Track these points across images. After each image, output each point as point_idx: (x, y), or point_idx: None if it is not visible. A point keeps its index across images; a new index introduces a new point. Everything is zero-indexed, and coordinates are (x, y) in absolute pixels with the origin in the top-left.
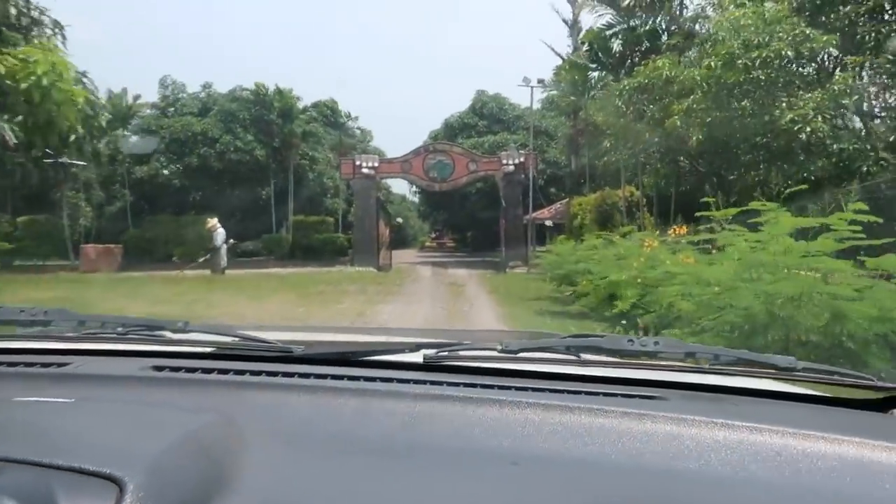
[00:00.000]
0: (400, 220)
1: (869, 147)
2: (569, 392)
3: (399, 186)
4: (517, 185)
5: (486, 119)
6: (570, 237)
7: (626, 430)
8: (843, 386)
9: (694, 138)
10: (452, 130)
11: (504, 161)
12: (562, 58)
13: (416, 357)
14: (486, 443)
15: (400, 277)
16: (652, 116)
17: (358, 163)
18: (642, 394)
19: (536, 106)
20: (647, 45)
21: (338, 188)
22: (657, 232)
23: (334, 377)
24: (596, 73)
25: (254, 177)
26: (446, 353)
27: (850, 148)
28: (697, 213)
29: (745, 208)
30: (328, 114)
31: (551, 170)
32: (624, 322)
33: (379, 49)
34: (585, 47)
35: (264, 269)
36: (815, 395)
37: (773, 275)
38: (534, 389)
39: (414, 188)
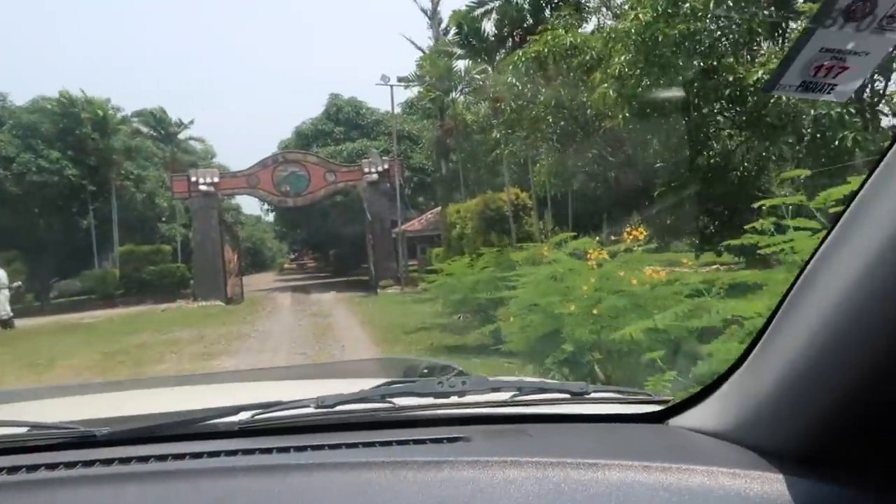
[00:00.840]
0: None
1: (854, 111)
2: (381, 444)
3: (251, 205)
4: (383, 196)
5: (342, 125)
6: (449, 250)
7: (428, 481)
8: (627, 403)
9: (620, 116)
10: (305, 139)
11: (366, 169)
12: (422, 50)
13: (233, 422)
14: None
15: (252, 311)
16: (556, 93)
17: (194, 179)
18: (449, 435)
19: (398, 109)
20: (531, 20)
21: (174, 211)
22: (569, 240)
23: (140, 459)
24: (466, 62)
25: (66, 202)
26: (261, 416)
27: (832, 114)
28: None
29: None
30: (154, 124)
31: (418, 177)
32: (567, 369)
33: (217, 53)
34: (453, 31)
35: (85, 311)
36: (606, 415)
37: None
38: (347, 445)
39: (265, 206)
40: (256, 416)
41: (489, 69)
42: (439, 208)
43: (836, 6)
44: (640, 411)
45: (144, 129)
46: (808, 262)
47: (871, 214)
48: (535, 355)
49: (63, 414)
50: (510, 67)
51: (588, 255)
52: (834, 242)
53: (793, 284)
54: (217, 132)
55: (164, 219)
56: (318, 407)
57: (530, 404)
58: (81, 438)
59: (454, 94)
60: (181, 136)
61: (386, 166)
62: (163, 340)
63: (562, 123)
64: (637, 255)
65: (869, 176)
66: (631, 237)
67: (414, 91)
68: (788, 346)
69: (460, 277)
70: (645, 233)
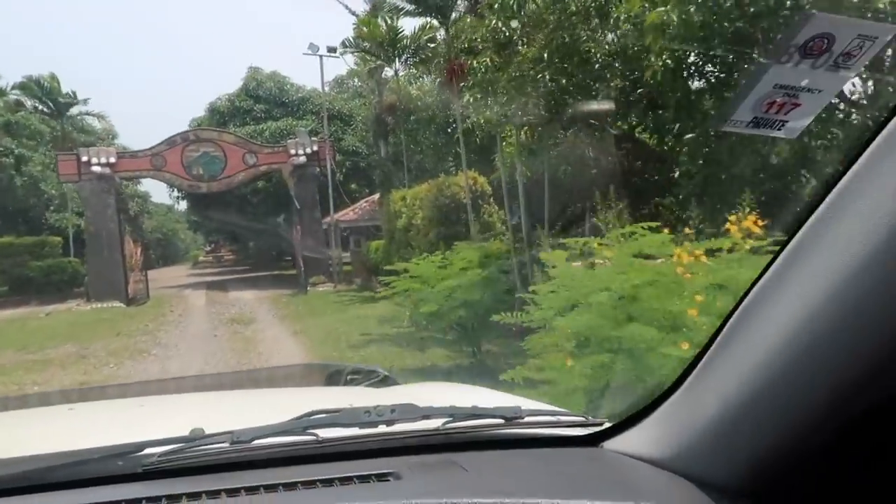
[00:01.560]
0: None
1: None
2: (303, 484)
3: (161, 193)
4: (311, 181)
5: (263, 102)
6: (391, 243)
7: None
8: (561, 427)
9: (658, 62)
10: (221, 117)
11: (292, 151)
12: (356, 15)
13: (136, 462)
14: None
15: (156, 316)
16: (556, 39)
17: (85, 159)
18: (378, 471)
19: (326, 88)
20: None
21: (66, 198)
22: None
23: None
24: (414, 26)
25: None
26: (169, 457)
27: None
28: None
29: None
30: (41, 95)
31: (351, 161)
32: None
33: (119, 17)
34: None
35: None
36: (539, 438)
37: None
38: (266, 488)
39: (174, 191)
40: (163, 456)
41: (441, 32)
42: (376, 196)
43: (793, 42)
44: (574, 434)
45: (29, 102)
46: (750, 288)
47: (825, 240)
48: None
49: None
50: (496, 5)
51: (676, 257)
52: (779, 271)
53: (735, 307)
54: (118, 111)
55: (52, 207)
56: (233, 443)
57: (463, 431)
58: None
59: (397, 63)
60: (76, 111)
61: (315, 148)
62: (28, 363)
63: (562, 81)
64: (747, 257)
65: (819, 202)
66: (741, 229)
67: (344, 67)
68: (729, 375)
69: (430, 281)
70: (761, 223)
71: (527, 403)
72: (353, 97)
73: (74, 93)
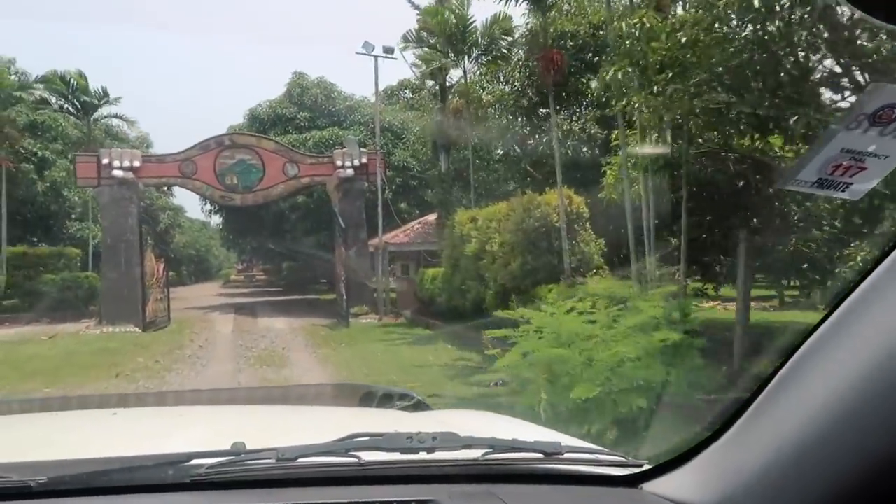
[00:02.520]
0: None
1: None
2: None
3: (195, 205)
4: (358, 197)
5: (308, 110)
6: (454, 272)
7: None
8: (601, 465)
9: None
10: (261, 125)
11: (339, 162)
12: (418, 8)
13: (185, 472)
14: None
15: (173, 348)
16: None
17: (106, 161)
18: (418, 497)
19: (373, 99)
20: None
21: (88, 205)
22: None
23: None
24: (487, 14)
25: None
26: (217, 469)
27: None
28: None
29: None
30: (67, 93)
31: (401, 177)
32: None
33: (148, 21)
34: None
35: None
36: (579, 475)
37: None
38: None
39: (206, 203)
40: (211, 469)
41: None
42: (431, 217)
43: (863, 110)
44: (614, 473)
45: (54, 100)
46: (804, 339)
47: (885, 297)
48: None
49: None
50: None
51: None
52: (836, 324)
53: (787, 357)
54: (151, 118)
55: (74, 215)
56: (279, 460)
57: (502, 463)
58: (15, 490)
59: (466, 62)
60: (105, 111)
61: (365, 160)
62: None
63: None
64: None
65: (878, 263)
66: None
67: (395, 77)
68: (779, 425)
69: (576, 342)
70: None
71: (566, 439)
72: (404, 109)
73: (105, 89)
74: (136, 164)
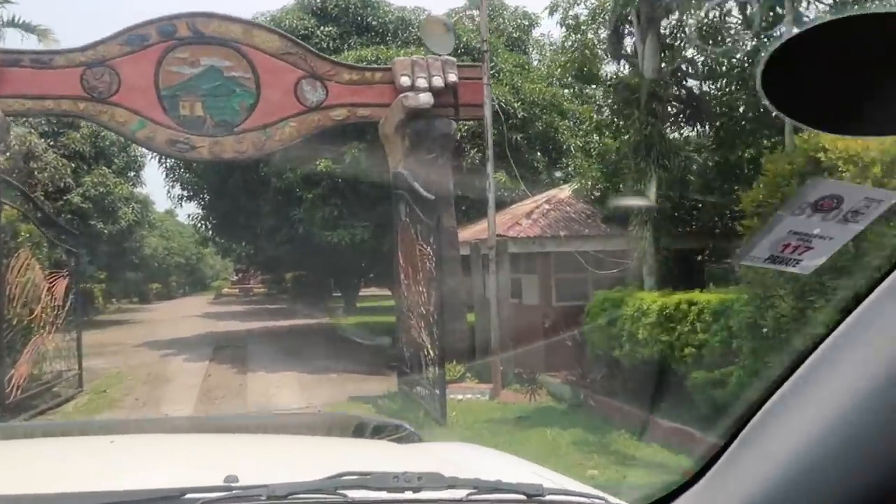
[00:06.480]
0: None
1: None
2: None
3: (162, 197)
4: (442, 150)
5: (333, 23)
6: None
7: None
8: None
9: None
10: None
11: (405, 80)
12: None
13: None
14: None
15: None
16: None
17: None
18: None
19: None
20: None
21: None
22: None
23: None
24: None
25: None
26: None
27: None
28: None
29: None
30: None
31: (525, 113)
32: None
33: None
34: None
35: None
36: None
37: None
38: None
39: (160, 157)
40: None
41: None
42: (564, 193)
43: (806, 199)
44: None
45: None
46: (785, 377)
47: (870, 332)
48: None
49: None
50: None
51: None
52: (815, 364)
53: (764, 399)
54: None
55: None
56: (269, 497)
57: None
58: None
59: None
60: None
61: (454, 77)
62: None
63: None
64: None
65: (869, 292)
66: None
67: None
68: (758, 467)
69: None
70: None
71: (555, 477)
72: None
73: None
74: None
